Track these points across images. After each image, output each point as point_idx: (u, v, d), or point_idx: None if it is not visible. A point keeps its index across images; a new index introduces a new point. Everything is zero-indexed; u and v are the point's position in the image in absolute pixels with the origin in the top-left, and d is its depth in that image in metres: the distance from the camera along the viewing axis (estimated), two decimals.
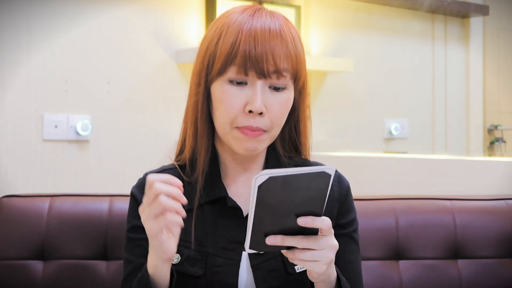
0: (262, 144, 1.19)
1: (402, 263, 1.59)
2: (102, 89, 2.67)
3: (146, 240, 1.24)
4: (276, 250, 1.03)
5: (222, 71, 1.16)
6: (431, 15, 3.73)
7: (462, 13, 3.73)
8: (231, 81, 1.16)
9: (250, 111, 1.15)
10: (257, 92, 1.14)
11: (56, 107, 2.56)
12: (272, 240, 1.00)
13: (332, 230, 1.04)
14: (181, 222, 1.04)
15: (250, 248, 1.01)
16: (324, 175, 0.97)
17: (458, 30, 3.83)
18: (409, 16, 3.64)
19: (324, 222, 1.01)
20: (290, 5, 3.13)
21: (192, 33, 2.89)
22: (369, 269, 1.56)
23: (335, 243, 1.04)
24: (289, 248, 1.02)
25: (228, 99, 1.16)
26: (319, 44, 3.28)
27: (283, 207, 0.98)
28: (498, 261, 1.60)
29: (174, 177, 1.05)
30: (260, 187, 0.94)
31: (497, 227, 1.62)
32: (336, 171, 1.32)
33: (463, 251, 1.60)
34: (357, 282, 1.26)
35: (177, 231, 1.05)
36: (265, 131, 1.17)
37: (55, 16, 2.56)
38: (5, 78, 2.46)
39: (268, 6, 1.23)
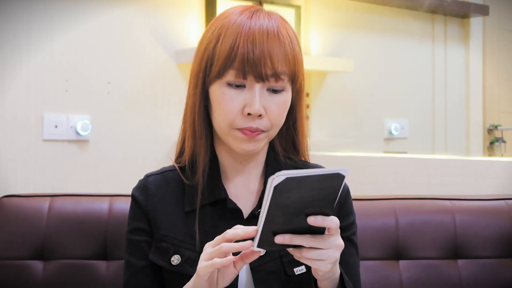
0: (260, 144, 1.20)
1: (402, 263, 1.59)
2: (102, 89, 2.67)
3: (146, 242, 1.24)
4: (283, 249, 1.04)
5: (220, 74, 1.16)
6: (431, 15, 3.72)
7: (462, 13, 3.73)
8: (229, 84, 1.16)
9: (249, 114, 1.15)
10: (256, 95, 1.15)
11: (56, 107, 2.56)
12: (281, 239, 1.00)
13: (339, 230, 1.04)
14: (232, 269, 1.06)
15: (257, 246, 1.01)
16: (338, 176, 0.98)
17: (458, 30, 3.83)
18: (409, 16, 3.64)
19: (333, 222, 1.02)
20: (290, 5, 3.13)
21: (192, 33, 2.89)
22: (369, 269, 1.56)
23: (341, 242, 1.05)
24: (295, 246, 1.02)
25: (227, 102, 1.16)
26: (319, 44, 3.27)
27: (295, 206, 0.98)
28: (498, 261, 1.60)
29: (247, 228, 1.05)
30: (276, 187, 0.95)
31: (497, 227, 1.62)
32: None
33: (463, 251, 1.60)
34: (355, 284, 1.26)
35: (229, 278, 1.07)
36: (264, 131, 1.18)
37: (55, 16, 2.55)
38: (5, 78, 2.46)
39: (268, 6, 1.23)
